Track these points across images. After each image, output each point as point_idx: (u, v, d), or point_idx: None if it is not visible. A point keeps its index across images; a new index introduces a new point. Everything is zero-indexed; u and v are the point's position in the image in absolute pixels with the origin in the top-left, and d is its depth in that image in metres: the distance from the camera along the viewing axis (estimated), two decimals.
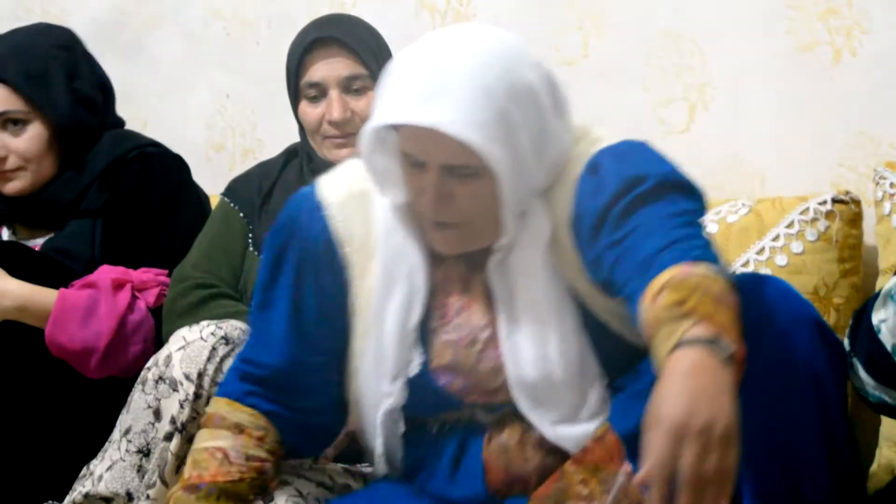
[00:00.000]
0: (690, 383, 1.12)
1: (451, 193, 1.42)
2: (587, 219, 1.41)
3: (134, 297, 2.01)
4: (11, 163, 2.12)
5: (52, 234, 2.15)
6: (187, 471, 1.57)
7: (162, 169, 2.17)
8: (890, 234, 1.92)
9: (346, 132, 1.99)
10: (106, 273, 2.00)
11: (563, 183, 1.45)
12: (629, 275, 1.31)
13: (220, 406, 1.59)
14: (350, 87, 2.00)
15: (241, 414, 1.57)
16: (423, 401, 1.53)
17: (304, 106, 2.02)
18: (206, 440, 1.57)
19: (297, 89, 2.02)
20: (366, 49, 2.02)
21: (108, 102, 2.25)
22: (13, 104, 2.11)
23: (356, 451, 1.90)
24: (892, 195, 1.92)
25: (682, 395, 1.11)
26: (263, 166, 2.16)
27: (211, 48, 2.75)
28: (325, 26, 2.04)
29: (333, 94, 1.99)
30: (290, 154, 2.12)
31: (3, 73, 2.11)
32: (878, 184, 1.96)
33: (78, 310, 1.96)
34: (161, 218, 2.13)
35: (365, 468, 1.86)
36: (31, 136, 2.12)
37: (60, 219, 2.14)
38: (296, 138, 2.14)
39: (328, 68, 1.99)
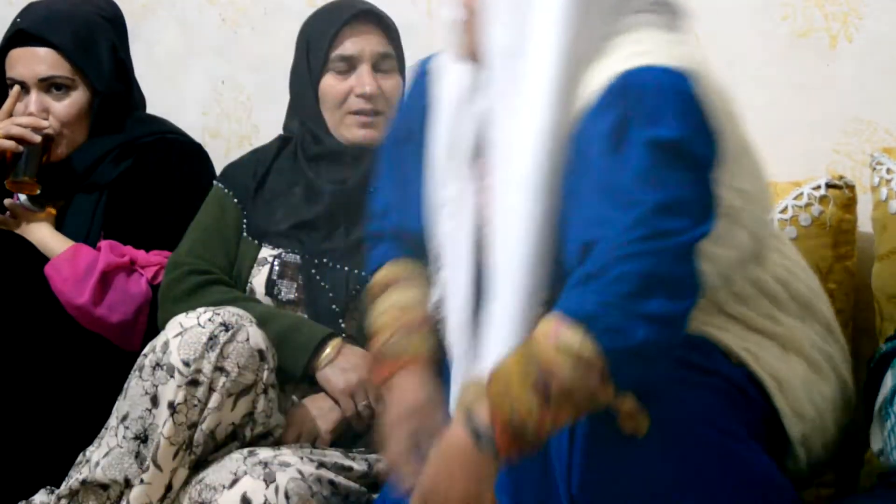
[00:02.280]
0: (446, 461, 1.30)
1: None
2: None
3: (134, 271, 2.04)
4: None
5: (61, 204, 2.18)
6: (379, 336, 1.56)
7: (182, 157, 2.19)
8: (886, 220, 1.93)
9: (374, 109, 1.99)
10: (111, 245, 2.06)
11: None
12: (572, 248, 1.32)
13: (383, 274, 1.60)
14: (380, 65, 2.00)
15: (398, 269, 1.60)
16: None
17: (331, 79, 2.00)
18: (381, 304, 1.58)
19: (323, 62, 2.00)
20: (395, 31, 2.04)
21: (135, 81, 2.28)
22: (60, 69, 2.12)
23: (353, 436, 1.91)
24: (888, 181, 1.92)
25: (435, 468, 1.31)
26: (257, 153, 2.15)
27: (206, 35, 2.75)
28: (360, 2, 2.03)
29: (364, 68, 1.99)
30: (285, 141, 2.11)
31: (52, 36, 2.11)
32: (874, 170, 1.96)
33: (81, 261, 2.01)
34: (173, 206, 2.13)
35: (360, 452, 1.87)
36: (73, 102, 2.14)
37: (69, 190, 2.15)
38: None
39: (363, 42, 1.99)
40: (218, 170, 2.24)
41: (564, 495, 1.30)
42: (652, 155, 1.28)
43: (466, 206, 1.48)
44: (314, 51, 2.01)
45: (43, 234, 2.10)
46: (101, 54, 2.16)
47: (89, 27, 2.16)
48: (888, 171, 1.93)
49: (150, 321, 2.02)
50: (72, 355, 1.99)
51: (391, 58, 2.02)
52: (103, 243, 2.06)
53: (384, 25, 2.02)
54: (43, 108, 2.13)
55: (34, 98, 2.13)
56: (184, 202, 2.14)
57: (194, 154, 2.22)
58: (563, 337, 1.24)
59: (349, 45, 1.98)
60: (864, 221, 1.99)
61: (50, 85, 2.14)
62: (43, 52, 2.12)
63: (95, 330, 2.01)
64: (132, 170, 2.15)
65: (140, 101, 2.30)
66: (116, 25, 2.23)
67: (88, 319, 2.00)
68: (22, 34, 2.14)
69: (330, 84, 1.99)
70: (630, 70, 1.32)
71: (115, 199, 2.14)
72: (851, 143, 2.06)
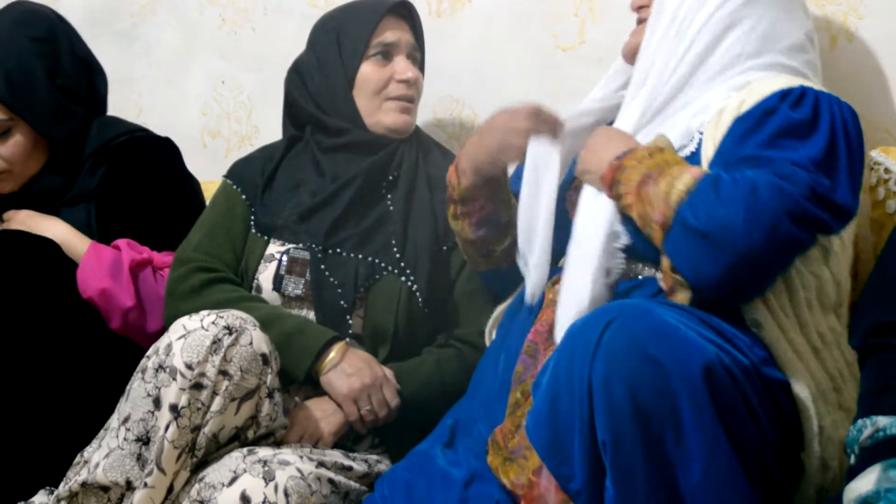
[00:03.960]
0: (607, 136, 1.73)
1: None
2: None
3: (155, 272, 2.05)
4: None
5: None
6: None
7: (158, 153, 2.18)
8: (884, 220, 1.93)
9: (411, 96, 2.06)
10: (129, 245, 2.05)
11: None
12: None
13: None
14: (412, 55, 2.08)
15: None
16: None
17: (369, 67, 2.04)
18: None
19: (362, 50, 2.04)
20: (421, 26, 2.12)
21: (94, 85, 2.23)
22: None
23: (354, 437, 1.91)
24: (885, 181, 1.93)
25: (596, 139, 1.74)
26: (266, 150, 2.16)
27: (206, 35, 2.75)
28: None
29: (400, 57, 2.05)
30: (293, 139, 2.12)
31: None
32: (872, 169, 1.96)
33: (105, 262, 2.01)
34: (162, 202, 2.13)
35: (361, 453, 1.87)
36: (15, 143, 2.12)
37: (50, 207, 2.15)
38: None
39: (400, 32, 2.07)
40: (218, 170, 2.24)
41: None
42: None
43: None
44: (351, 39, 2.05)
45: (59, 230, 2.09)
46: (37, 90, 2.11)
47: (21, 63, 2.09)
48: (886, 170, 1.93)
49: None
50: (70, 356, 1.98)
51: (418, 51, 2.10)
52: (121, 242, 2.06)
53: (414, 20, 2.10)
54: None
55: None
56: (168, 197, 2.15)
57: (166, 148, 2.21)
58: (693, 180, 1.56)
59: (389, 35, 2.05)
60: (862, 221, 1.99)
61: None
62: None
63: (131, 336, 2.02)
64: (111, 174, 2.13)
65: (103, 105, 2.26)
66: (54, 44, 2.15)
67: (133, 328, 2.02)
68: None
69: (369, 71, 2.04)
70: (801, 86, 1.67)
71: (103, 208, 2.13)
72: None
